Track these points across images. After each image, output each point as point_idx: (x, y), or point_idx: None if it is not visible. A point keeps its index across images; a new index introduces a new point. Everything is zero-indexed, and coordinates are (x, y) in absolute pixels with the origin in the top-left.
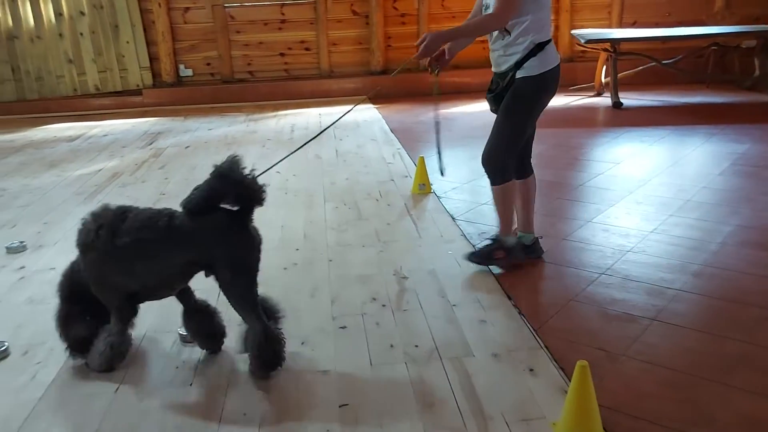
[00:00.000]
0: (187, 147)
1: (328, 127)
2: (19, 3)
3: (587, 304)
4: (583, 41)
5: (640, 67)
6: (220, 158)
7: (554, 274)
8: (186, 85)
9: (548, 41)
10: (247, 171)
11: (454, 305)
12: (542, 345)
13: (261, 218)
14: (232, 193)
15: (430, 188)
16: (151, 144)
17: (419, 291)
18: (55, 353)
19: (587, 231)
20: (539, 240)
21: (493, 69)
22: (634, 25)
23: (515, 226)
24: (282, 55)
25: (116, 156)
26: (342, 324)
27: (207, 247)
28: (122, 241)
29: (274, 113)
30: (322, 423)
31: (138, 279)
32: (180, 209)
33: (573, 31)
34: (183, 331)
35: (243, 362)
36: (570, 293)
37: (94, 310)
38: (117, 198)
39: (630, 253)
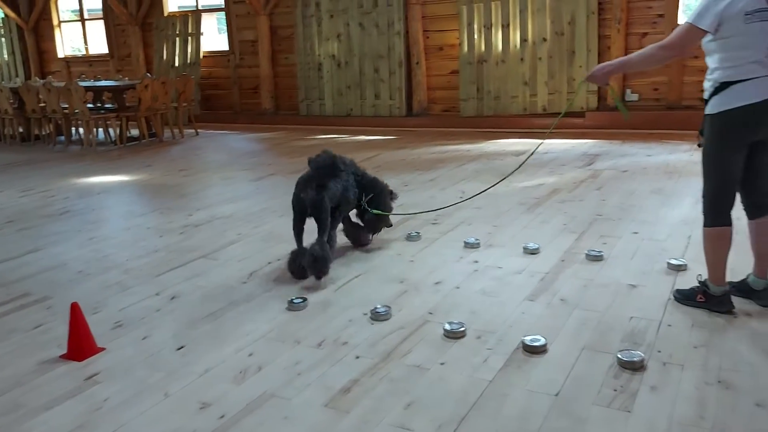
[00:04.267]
0: (625, 171)
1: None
2: (493, 31)
3: None
4: None
5: None
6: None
7: None
8: (629, 110)
9: (739, 81)
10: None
11: None
12: None
13: None
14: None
15: None
16: (589, 165)
17: None
18: (503, 344)
19: None
20: None
21: None
22: None
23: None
24: None
25: (555, 173)
26: None
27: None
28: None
29: None
30: None
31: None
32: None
33: None
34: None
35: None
36: None
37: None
38: (555, 213)
39: None
